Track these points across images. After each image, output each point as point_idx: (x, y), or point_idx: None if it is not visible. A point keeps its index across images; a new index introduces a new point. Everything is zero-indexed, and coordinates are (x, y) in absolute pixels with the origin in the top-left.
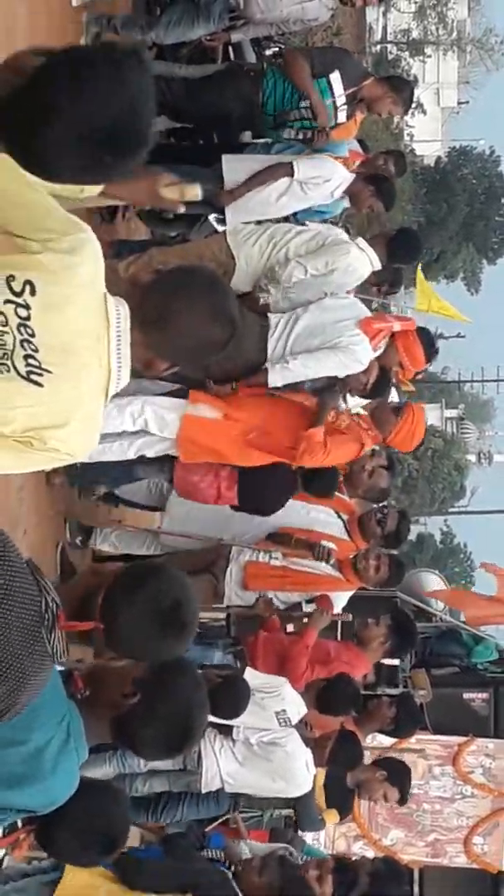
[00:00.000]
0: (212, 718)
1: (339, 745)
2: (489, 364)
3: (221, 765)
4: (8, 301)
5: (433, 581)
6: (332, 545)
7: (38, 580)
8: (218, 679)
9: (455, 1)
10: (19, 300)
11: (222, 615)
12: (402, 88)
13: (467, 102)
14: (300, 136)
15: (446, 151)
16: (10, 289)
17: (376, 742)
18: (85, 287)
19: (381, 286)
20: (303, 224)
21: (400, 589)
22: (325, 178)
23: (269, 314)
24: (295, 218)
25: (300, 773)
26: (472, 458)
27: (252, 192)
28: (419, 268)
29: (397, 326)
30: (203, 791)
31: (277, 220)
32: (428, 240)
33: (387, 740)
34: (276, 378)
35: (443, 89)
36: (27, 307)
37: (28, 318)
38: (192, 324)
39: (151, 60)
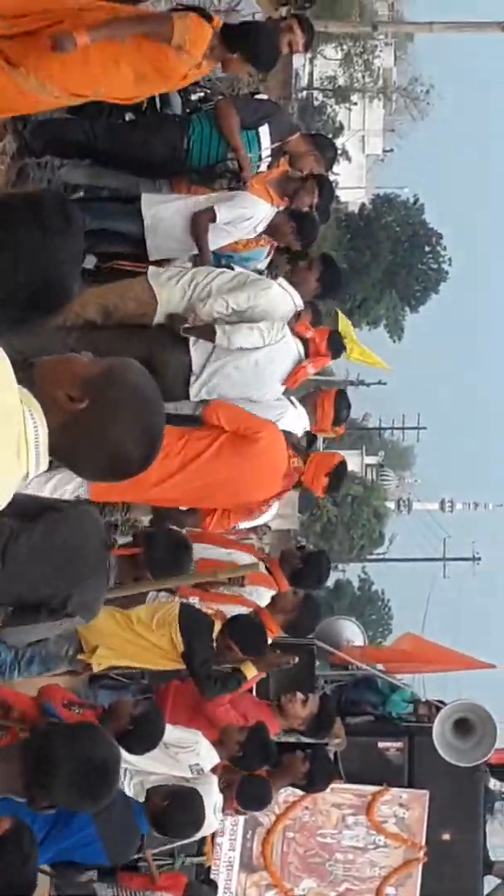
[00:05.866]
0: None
1: (241, 788)
2: (410, 411)
3: None
4: None
5: (350, 629)
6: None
7: None
8: (129, 719)
9: (381, 49)
10: None
11: None
12: (326, 148)
13: (392, 150)
14: (227, 186)
15: (370, 199)
16: None
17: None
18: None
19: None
20: (229, 267)
21: (317, 636)
22: (247, 217)
23: (190, 349)
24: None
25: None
26: (392, 505)
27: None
28: (340, 315)
29: (311, 370)
30: None
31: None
32: (351, 286)
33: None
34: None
35: (368, 137)
36: None
37: None
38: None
39: (77, 210)
